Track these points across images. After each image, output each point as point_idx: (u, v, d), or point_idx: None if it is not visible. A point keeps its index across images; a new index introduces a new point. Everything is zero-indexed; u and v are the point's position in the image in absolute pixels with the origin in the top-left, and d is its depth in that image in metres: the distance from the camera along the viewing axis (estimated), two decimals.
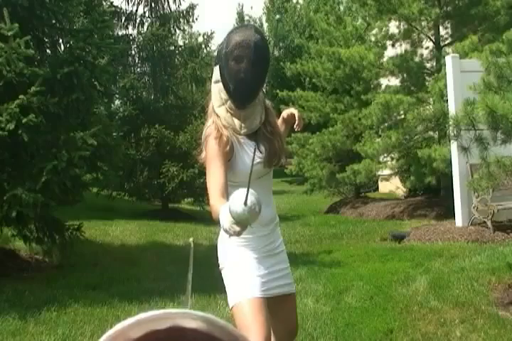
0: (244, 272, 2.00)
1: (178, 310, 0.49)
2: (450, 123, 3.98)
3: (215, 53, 2.07)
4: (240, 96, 1.94)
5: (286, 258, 2.17)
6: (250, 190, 1.60)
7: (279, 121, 2.26)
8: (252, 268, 2.01)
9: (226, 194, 1.80)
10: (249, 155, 2.00)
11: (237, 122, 1.99)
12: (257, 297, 1.96)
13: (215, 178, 1.87)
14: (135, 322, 0.48)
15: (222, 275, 2.07)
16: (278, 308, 2.07)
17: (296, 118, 2.23)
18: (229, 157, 1.96)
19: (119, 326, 0.48)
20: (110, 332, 0.48)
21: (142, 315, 0.48)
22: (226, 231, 1.65)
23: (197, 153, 2.14)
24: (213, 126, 1.98)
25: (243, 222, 1.60)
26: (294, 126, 2.25)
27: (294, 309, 2.22)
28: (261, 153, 2.03)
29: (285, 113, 2.29)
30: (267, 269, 2.03)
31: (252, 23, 27.76)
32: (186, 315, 0.49)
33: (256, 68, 1.89)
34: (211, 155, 1.93)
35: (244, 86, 1.90)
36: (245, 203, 1.57)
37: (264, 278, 2.01)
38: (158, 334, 0.49)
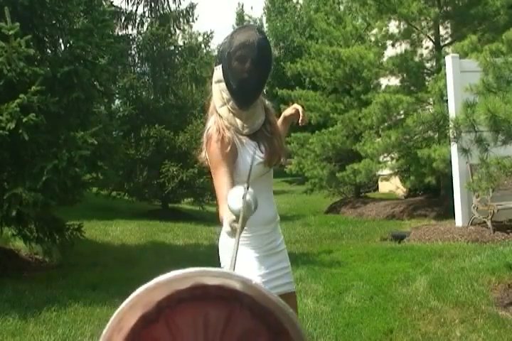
0: (245, 271, 2.00)
1: (197, 269, 0.47)
2: (450, 125, 3.97)
3: (216, 53, 2.06)
4: (243, 96, 1.94)
5: (287, 257, 2.16)
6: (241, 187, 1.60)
7: (280, 121, 2.26)
8: (253, 267, 2.01)
9: None
10: (251, 154, 2.00)
11: (239, 122, 1.99)
12: None
13: (222, 186, 1.85)
14: (154, 284, 0.47)
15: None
16: None
17: (300, 113, 2.22)
18: (233, 158, 1.95)
19: (139, 290, 0.47)
20: (131, 296, 0.47)
21: (161, 277, 0.47)
22: (228, 232, 1.65)
23: (197, 153, 2.13)
24: (215, 127, 1.97)
25: (241, 214, 1.60)
26: (299, 121, 2.24)
27: (295, 308, 2.22)
28: (261, 152, 2.04)
29: (287, 111, 2.28)
30: (268, 268, 2.03)
31: (252, 23, 27.77)
32: (206, 273, 0.48)
33: (259, 68, 1.89)
34: (216, 161, 1.92)
35: (248, 86, 1.90)
36: (243, 196, 1.56)
37: (265, 278, 2.01)
38: (182, 294, 0.49)
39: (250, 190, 1.59)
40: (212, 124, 2.00)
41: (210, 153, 1.96)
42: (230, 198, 1.59)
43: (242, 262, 2.00)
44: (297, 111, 2.24)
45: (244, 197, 1.55)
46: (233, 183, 1.87)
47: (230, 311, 0.50)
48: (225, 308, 0.50)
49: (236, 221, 1.60)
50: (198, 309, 0.50)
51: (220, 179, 1.88)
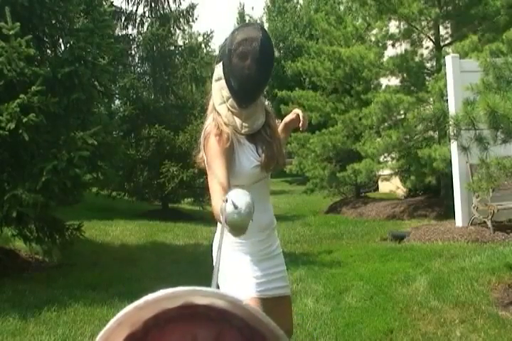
0: (239, 273, 1.99)
1: (186, 288, 0.47)
2: (450, 122, 3.97)
3: (217, 52, 2.06)
4: (244, 94, 1.92)
5: (283, 261, 2.15)
6: (244, 191, 1.54)
7: (280, 128, 2.21)
8: (248, 269, 1.99)
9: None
10: (248, 157, 1.98)
11: (238, 121, 1.96)
12: (253, 297, 1.95)
13: (217, 179, 1.84)
14: (143, 303, 0.47)
15: (218, 277, 2.05)
16: (273, 310, 2.04)
17: (301, 118, 2.17)
18: (230, 154, 1.93)
19: (127, 308, 0.47)
20: (119, 315, 0.47)
21: (150, 296, 0.47)
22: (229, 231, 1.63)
23: (194, 154, 2.11)
24: (213, 124, 1.96)
25: (236, 225, 1.56)
26: (299, 126, 2.19)
27: (290, 311, 2.20)
28: (259, 155, 2.01)
29: (288, 118, 2.22)
30: (262, 271, 2.01)
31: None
32: (196, 292, 0.47)
33: (261, 65, 1.87)
34: (213, 155, 1.90)
35: (248, 83, 1.88)
36: (235, 206, 1.51)
37: (260, 280, 2.00)
38: (170, 313, 0.48)
39: (246, 193, 1.56)
40: (210, 121, 1.98)
41: (207, 148, 1.93)
42: (225, 204, 1.53)
43: (237, 265, 1.99)
44: (298, 115, 2.18)
45: (235, 206, 1.50)
46: (229, 178, 1.85)
47: (219, 331, 0.50)
48: (213, 329, 0.50)
49: (231, 227, 1.58)
50: (186, 329, 0.50)
51: (216, 172, 1.85)
